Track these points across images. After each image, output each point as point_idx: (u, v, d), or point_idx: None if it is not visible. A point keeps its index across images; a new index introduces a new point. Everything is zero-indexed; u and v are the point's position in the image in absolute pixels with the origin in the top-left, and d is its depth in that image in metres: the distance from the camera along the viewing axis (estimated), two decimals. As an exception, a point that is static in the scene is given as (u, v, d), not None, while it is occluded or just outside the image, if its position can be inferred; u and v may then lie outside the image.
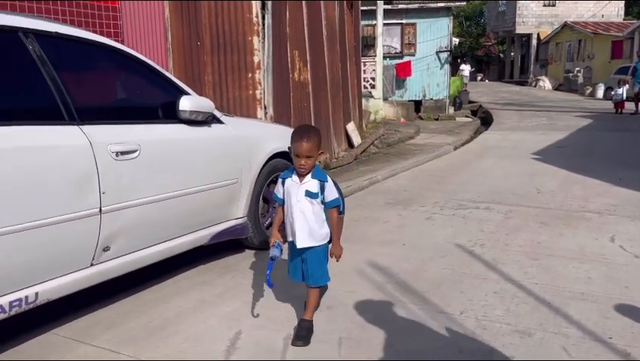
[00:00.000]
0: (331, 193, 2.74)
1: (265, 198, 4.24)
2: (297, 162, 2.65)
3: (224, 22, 6.80)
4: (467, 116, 17.85)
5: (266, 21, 6.83)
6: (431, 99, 17.20)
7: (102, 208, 2.79)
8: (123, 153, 2.90)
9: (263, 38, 6.87)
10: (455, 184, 6.99)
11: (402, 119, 14.81)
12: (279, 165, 4.25)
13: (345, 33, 9.85)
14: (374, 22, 14.08)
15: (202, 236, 3.62)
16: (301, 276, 2.85)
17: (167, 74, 3.46)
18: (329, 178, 2.75)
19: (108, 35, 5.37)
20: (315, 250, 2.77)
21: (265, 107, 7.11)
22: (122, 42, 5.76)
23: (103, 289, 3.09)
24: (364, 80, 13.74)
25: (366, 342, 2.77)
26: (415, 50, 16.99)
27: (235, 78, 6.99)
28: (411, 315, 3.09)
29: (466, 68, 25.72)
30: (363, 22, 13.04)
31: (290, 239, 2.81)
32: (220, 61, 6.93)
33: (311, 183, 2.71)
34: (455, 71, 24.02)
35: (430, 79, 17.12)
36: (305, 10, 7.85)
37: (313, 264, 2.79)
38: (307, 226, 2.73)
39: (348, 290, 3.44)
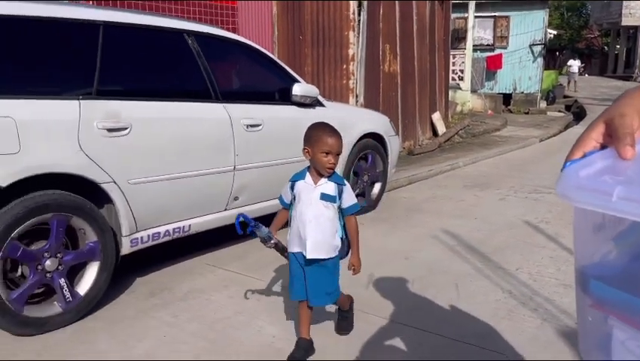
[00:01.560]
0: (350, 197, 2.42)
1: (355, 172, 5.01)
2: (325, 161, 2.32)
3: (324, 18, 7.63)
4: (559, 111, 17.59)
5: (361, 18, 7.57)
6: (522, 93, 17.14)
7: (236, 166, 3.70)
8: (251, 125, 3.79)
9: (358, 33, 7.62)
10: (534, 173, 7.39)
11: (489, 112, 14.99)
12: (369, 144, 5.01)
13: (435, 27, 10.35)
14: (466, 14, 14.36)
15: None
16: (303, 295, 2.48)
17: (284, 65, 4.32)
18: (347, 182, 2.47)
19: (227, 30, 6.38)
20: (325, 265, 2.41)
21: (357, 96, 7.89)
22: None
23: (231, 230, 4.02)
24: (453, 72, 14.10)
25: (434, 283, 3.48)
26: (507, 43, 16.99)
27: (331, 69, 7.82)
28: (473, 268, 3.75)
29: (575, 64, 24.86)
30: (454, 15, 13.40)
31: (294, 250, 2.45)
32: (319, 53, 7.78)
33: (327, 186, 2.38)
34: (550, 64, 23.42)
35: (521, 72, 17.05)
36: (397, 8, 8.50)
37: (325, 280, 2.44)
38: (321, 233, 2.37)
39: (422, 249, 4.15)
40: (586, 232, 0.70)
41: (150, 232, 3.29)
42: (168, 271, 3.68)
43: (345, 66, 7.88)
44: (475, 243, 4.29)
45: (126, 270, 3.46)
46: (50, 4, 2.92)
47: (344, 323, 2.77)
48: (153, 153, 3.17)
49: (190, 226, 3.54)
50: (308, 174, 2.44)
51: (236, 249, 4.11)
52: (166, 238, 3.42)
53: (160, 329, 2.88)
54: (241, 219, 2.51)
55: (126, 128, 3.02)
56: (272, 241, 2.53)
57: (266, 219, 2.70)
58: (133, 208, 3.10)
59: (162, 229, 3.36)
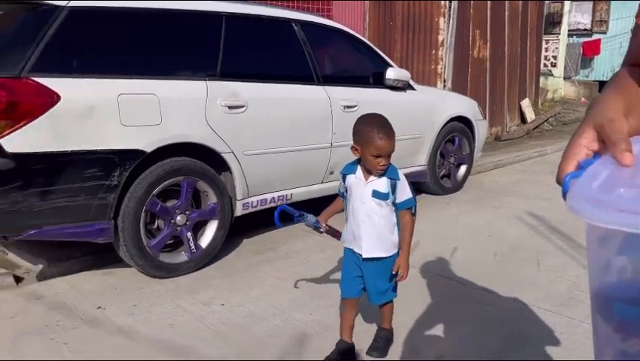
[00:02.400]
0: (404, 192, 2.24)
1: (441, 153, 5.24)
2: (376, 163, 2.15)
3: (414, 5, 7.80)
4: (662, 100, 16.47)
5: (452, 4, 7.67)
6: (621, 80, 16.20)
7: (332, 143, 4.08)
8: (348, 106, 4.14)
9: (449, 20, 7.73)
10: (627, 162, 7.20)
11: (583, 99, 14.41)
12: (456, 127, 5.22)
13: (528, 12, 10.16)
14: (562, -2, 13.82)
15: (393, 175, 4.77)
16: (360, 291, 2.37)
17: (378, 51, 4.63)
18: (401, 175, 2.26)
19: (322, 16, 6.75)
20: (384, 262, 2.28)
21: (444, 80, 8.03)
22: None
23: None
24: (545, 58, 13.67)
25: (513, 257, 3.69)
26: (606, 28, 16.12)
27: (420, 54, 8.01)
28: (555, 246, 3.90)
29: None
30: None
31: (349, 246, 2.34)
32: (409, 39, 7.99)
33: (379, 182, 2.21)
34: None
35: (621, 59, 16.09)
36: (489, -7, 8.49)
37: (381, 278, 2.30)
38: (375, 232, 2.24)
39: (506, 227, 4.34)
40: (595, 247, 0.66)
41: (259, 198, 3.76)
42: (269, 235, 4.14)
43: (434, 51, 8.03)
44: (557, 224, 4.41)
45: (234, 231, 3.95)
46: (183, -2, 3.42)
47: (380, 343, 2.48)
48: (264, 128, 3.62)
49: (291, 195, 3.98)
50: (359, 168, 2.26)
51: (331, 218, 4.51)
52: (271, 205, 3.88)
53: (266, 281, 3.33)
54: (283, 210, 2.43)
55: (243, 106, 3.48)
56: (321, 229, 2.46)
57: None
58: (247, 176, 3.57)
59: (268, 196, 3.82)
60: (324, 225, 2.47)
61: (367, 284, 2.32)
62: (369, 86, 4.47)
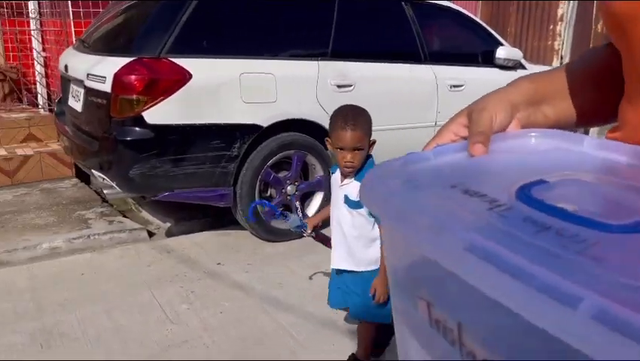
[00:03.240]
0: None
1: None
2: (341, 158, 1.91)
3: (533, -23, 7.45)
4: None
5: (575, -25, 7.22)
6: None
7: (436, 123, 4.14)
8: (454, 86, 4.17)
9: (570, -8, 7.30)
10: None
11: None
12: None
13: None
14: None
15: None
16: (342, 303, 2.19)
17: (489, 29, 4.56)
18: None
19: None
20: (361, 276, 2.02)
21: (561, 58, 7.63)
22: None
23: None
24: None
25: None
26: None
27: (535, 30, 7.66)
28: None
29: None
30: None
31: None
32: (525, 14, 7.66)
33: (351, 187, 1.94)
34: None
35: None
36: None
37: (359, 294, 2.04)
38: (345, 243, 2.02)
39: None
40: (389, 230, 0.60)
41: (362, 172, 3.94)
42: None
43: (551, 26, 7.65)
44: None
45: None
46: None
47: None
48: (371, 107, 3.76)
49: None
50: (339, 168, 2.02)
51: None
52: (374, 180, 4.05)
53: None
54: (257, 206, 2.17)
55: (351, 85, 3.66)
56: (304, 233, 2.20)
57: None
58: (352, 152, 3.76)
59: (371, 172, 3.98)
60: (309, 230, 2.18)
61: (346, 298, 2.10)
62: (477, 66, 4.44)
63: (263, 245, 3.60)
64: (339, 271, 2.09)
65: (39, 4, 5.45)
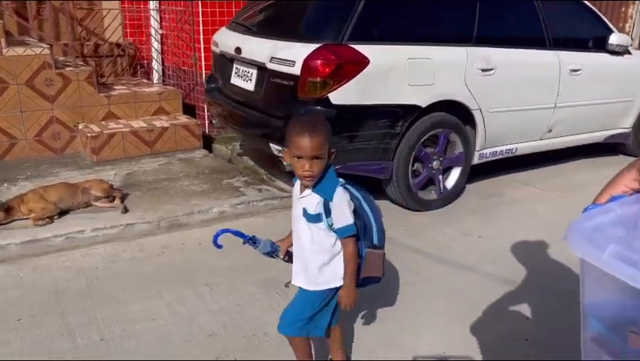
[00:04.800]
0: (341, 216, 1.83)
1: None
2: (299, 167, 1.78)
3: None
4: None
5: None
6: None
7: (556, 104, 4.47)
8: (573, 70, 4.49)
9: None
10: None
11: None
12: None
13: None
14: None
15: (600, 135, 5.07)
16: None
17: (602, 16, 4.84)
18: (340, 193, 1.83)
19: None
20: (306, 293, 1.97)
21: (632, 39, 7.84)
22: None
23: (541, 157, 4.88)
24: None
25: None
26: None
27: (607, 11, 7.85)
28: None
29: None
30: None
31: None
32: None
33: (310, 199, 1.84)
34: None
35: None
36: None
37: (294, 305, 2.02)
38: (303, 257, 1.94)
39: None
40: (594, 274, 0.70)
41: (492, 150, 4.31)
42: (489, 182, 4.70)
43: (623, 9, 7.85)
44: None
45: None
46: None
47: None
48: (506, 89, 4.12)
49: (516, 149, 4.48)
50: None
51: (542, 171, 4.98)
52: (499, 157, 4.42)
53: (499, 221, 3.92)
54: (223, 235, 1.97)
55: (492, 69, 3.99)
56: (275, 256, 2.07)
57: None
58: (486, 130, 4.12)
59: (498, 149, 4.36)
60: (282, 255, 2.06)
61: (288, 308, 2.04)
62: (592, 51, 4.74)
63: (407, 214, 4.00)
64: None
65: (159, -16, 5.78)
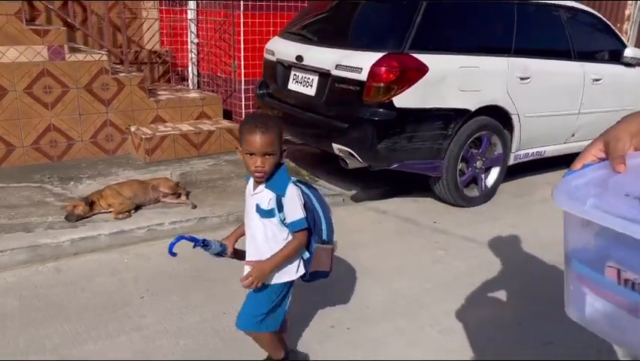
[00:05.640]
0: (293, 211, 1.90)
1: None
2: (251, 164, 1.84)
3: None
4: None
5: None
6: None
7: (580, 111, 4.89)
8: (595, 80, 4.92)
9: (643, -5, 8.06)
10: None
11: None
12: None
13: None
14: None
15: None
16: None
17: (617, 32, 5.31)
18: (292, 189, 1.90)
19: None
20: (263, 288, 1.99)
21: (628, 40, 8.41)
22: None
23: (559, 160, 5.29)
24: None
25: None
26: None
27: (606, 12, 8.38)
28: None
29: None
30: None
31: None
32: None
33: (262, 195, 1.91)
34: None
35: None
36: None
37: (249, 300, 2.05)
38: (257, 253, 1.97)
39: None
40: (575, 225, 0.88)
41: (524, 151, 4.70)
42: (515, 183, 5.09)
43: (618, 25, 8.40)
44: None
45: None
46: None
47: None
48: (539, 96, 4.52)
49: (544, 151, 4.88)
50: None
51: (563, 173, 5.37)
52: (530, 158, 4.81)
53: (537, 217, 4.29)
54: (179, 241, 1.95)
55: (529, 78, 4.39)
56: (224, 255, 2.08)
57: None
58: (522, 133, 4.51)
59: (530, 151, 4.75)
60: (230, 251, 2.08)
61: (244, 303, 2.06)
62: (609, 63, 5.19)
63: (452, 210, 4.35)
64: None
65: (198, -5, 6.06)
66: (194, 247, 1.98)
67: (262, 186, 1.90)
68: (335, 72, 3.94)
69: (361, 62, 3.78)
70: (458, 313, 2.84)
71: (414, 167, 4.03)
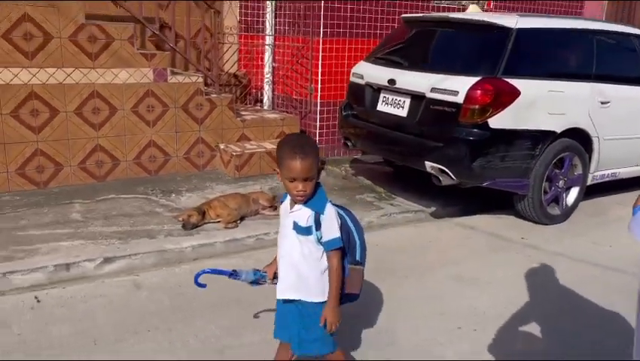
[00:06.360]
0: (330, 230, 1.94)
1: None
2: (292, 188, 1.90)
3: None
4: None
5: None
6: None
7: None
8: None
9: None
10: None
11: None
12: None
13: None
14: None
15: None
16: (286, 335, 2.11)
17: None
18: (330, 208, 1.95)
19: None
20: (309, 306, 2.01)
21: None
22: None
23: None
24: None
25: None
26: None
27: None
28: None
29: None
30: None
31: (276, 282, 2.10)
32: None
33: (301, 213, 1.95)
34: None
35: None
36: None
37: (305, 323, 2.03)
38: (294, 272, 2.00)
39: None
40: None
41: (601, 172, 4.88)
42: (588, 203, 5.25)
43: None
44: None
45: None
46: (577, 20, 4.58)
47: None
48: (617, 119, 4.71)
49: (619, 173, 5.05)
50: (289, 195, 1.99)
51: (633, 195, 5.53)
52: (605, 179, 4.99)
53: (618, 234, 4.44)
54: (203, 274, 2.12)
55: (608, 102, 4.60)
56: (267, 281, 2.16)
57: None
58: (600, 155, 4.70)
59: (606, 172, 4.93)
60: (269, 279, 2.15)
61: (291, 330, 2.06)
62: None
63: (534, 227, 4.53)
64: (285, 301, 2.04)
65: (275, 22, 6.44)
66: (229, 277, 2.14)
67: (300, 205, 1.95)
68: (430, 95, 4.20)
69: (457, 86, 4.04)
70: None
71: (504, 184, 4.25)
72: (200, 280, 2.16)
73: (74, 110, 4.60)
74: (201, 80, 5.24)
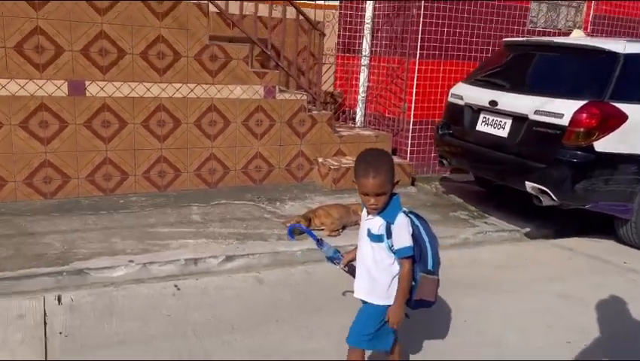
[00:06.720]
0: (400, 238, 2.06)
1: None
2: (365, 201, 2.07)
3: None
4: None
5: None
6: None
7: None
8: None
9: None
10: None
11: None
12: None
13: None
14: None
15: None
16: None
17: None
18: (401, 218, 2.07)
19: None
20: (376, 307, 2.16)
21: None
22: None
23: None
24: None
25: None
26: None
27: None
28: None
29: None
30: None
31: None
32: None
33: (374, 221, 2.11)
34: None
35: None
36: None
37: (361, 318, 2.22)
38: (367, 275, 2.16)
39: None
40: None
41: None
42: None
43: None
44: None
45: None
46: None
47: None
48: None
49: None
50: None
51: None
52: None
53: None
54: (295, 227, 2.62)
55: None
56: (336, 263, 2.38)
57: None
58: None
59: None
60: (343, 264, 2.36)
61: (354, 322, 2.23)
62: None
63: (636, 251, 4.48)
64: (363, 301, 2.24)
65: (372, 43, 6.74)
66: (316, 242, 2.46)
67: (374, 214, 2.10)
68: (533, 117, 4.31)
69: (562, 109, 4.12)
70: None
71: (606, 208, 4.26)
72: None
73: (194, 122, 5.07)
74: (305, 97, 5.60)
